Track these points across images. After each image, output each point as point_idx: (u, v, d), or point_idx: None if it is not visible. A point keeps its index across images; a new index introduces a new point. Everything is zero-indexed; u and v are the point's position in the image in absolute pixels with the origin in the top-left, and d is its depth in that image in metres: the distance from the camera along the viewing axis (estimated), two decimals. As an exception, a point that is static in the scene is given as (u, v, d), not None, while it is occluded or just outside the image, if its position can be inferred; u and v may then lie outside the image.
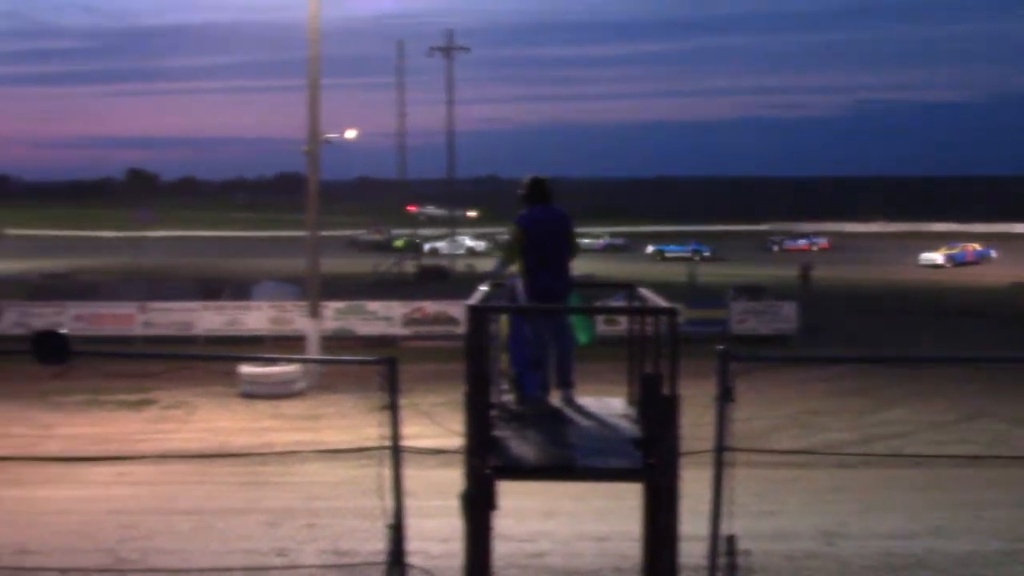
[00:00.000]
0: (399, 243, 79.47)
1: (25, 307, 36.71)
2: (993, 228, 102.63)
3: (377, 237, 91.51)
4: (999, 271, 64.87)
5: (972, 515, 13.74)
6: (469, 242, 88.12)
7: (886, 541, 13.28)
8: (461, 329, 34.93)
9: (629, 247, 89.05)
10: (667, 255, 77.86)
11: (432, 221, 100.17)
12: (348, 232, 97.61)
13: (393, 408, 8.08)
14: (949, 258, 73.90)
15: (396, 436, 8.10)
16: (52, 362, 8.47)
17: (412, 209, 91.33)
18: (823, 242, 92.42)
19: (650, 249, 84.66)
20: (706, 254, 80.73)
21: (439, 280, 58.44)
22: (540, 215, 9.56)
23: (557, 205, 9.74)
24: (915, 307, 46.44)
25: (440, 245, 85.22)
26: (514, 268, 9.66)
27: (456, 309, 34.62)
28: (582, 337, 9.94)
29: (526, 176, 9.70)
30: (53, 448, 20.00)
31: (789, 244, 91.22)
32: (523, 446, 7.93)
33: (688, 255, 77.82)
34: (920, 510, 13.88)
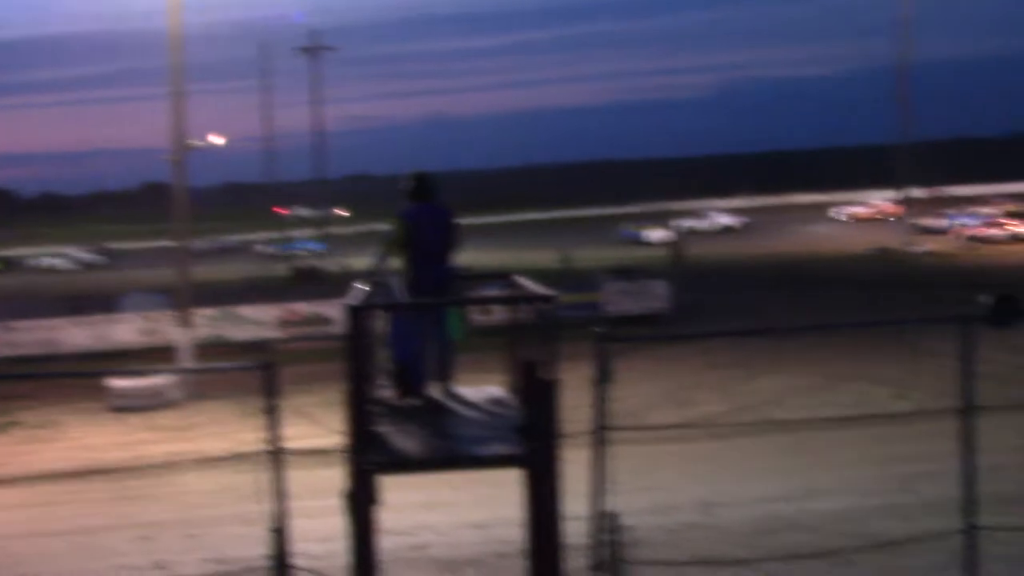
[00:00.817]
0: None
1: None
2: (855, 196, 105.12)
3: None
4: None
5: (840, 474, 14.20)
6: (84, 255, 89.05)
7: (761, 506, 13.64)
8: (336, 329, 34.83)
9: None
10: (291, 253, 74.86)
11: (303, 222, 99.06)
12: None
13: (273, 411, 8.03)
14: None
15: (276, 439, 8.05)
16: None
17: (281, 211, 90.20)
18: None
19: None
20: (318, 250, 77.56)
21: (312, 281, 57.92)
22: (423, 210, 9.63)
23: (440, 200, 9.81)
24: (784, 278, 47.61)
25: (55, 261, 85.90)
26: (395, 263, 9.69)
27: (330, 309, 34.37)
28: (455, 332, 10.02)
29: (410, 172, 9.76)
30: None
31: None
32: (405, 440, 7.97)
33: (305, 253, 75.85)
34: (792, 473, 14.30)
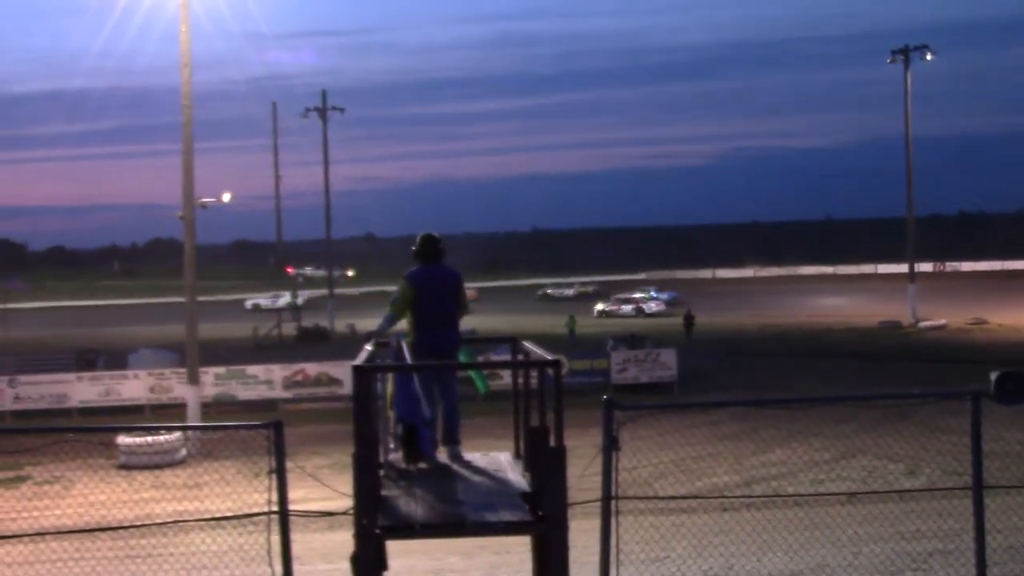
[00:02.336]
0: None
1: None
2: (861, 269, 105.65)
3: None
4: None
5: (851, 551, 14.06)
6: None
7: (772, 581, 13.51)
8: (344, 390, 34.76)
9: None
10: None
11: (310, 282, 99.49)
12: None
13: (280, 472, 8.02)
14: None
15: (284, 500, 8.03)
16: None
17: (290, 271, 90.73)
18: None
19: None
20: None
21: (319, 341, 58.04)
22: (430, 272, 9.62)
23: (447, 263, 9.83)
24: (792, 349, 47.46)
25: None
26: (402, 325, 9.68)
27: (338, 370, 34.40)
28: (480, 386, 10.06)
29: (419, 234, 9.78)
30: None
31: None
32: (412, 504, 7.93)
33: None
34: (802, 549, 14.14)
